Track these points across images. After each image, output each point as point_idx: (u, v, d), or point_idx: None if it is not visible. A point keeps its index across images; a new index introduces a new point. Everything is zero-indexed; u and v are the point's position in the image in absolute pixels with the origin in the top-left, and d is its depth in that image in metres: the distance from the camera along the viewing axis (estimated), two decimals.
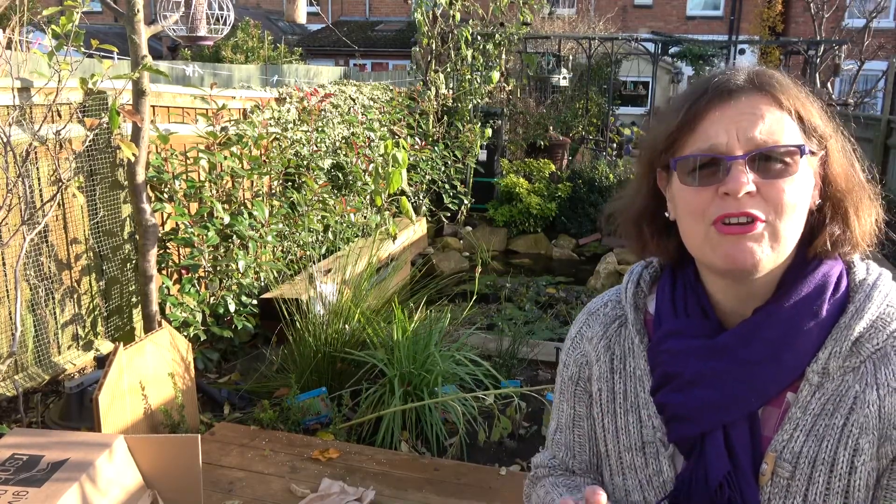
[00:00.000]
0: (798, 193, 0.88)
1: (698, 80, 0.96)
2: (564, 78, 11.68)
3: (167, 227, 4.19)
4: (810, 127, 0.90)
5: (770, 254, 0.88)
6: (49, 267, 3.56)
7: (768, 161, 0.87)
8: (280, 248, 5.16)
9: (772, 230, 0.87)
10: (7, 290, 3.36)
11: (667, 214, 0.98)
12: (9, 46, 3.07)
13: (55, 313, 3.64)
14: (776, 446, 0.90)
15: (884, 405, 0.87)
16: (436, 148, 7.88)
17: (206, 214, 4.21)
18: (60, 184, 3.21)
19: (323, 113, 5.82)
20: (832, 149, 0.92)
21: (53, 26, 2.98)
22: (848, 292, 0.93)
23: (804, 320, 0.90)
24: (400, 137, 7.03)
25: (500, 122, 9.10)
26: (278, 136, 5.19)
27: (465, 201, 8.29)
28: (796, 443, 0.89)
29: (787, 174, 0.87)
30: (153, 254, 3.69)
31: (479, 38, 8.66)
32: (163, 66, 7.29)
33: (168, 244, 4.14)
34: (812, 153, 0.90)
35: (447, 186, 8.10)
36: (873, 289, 0.92)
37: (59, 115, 3.45)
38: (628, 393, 1.03)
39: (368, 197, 6.36)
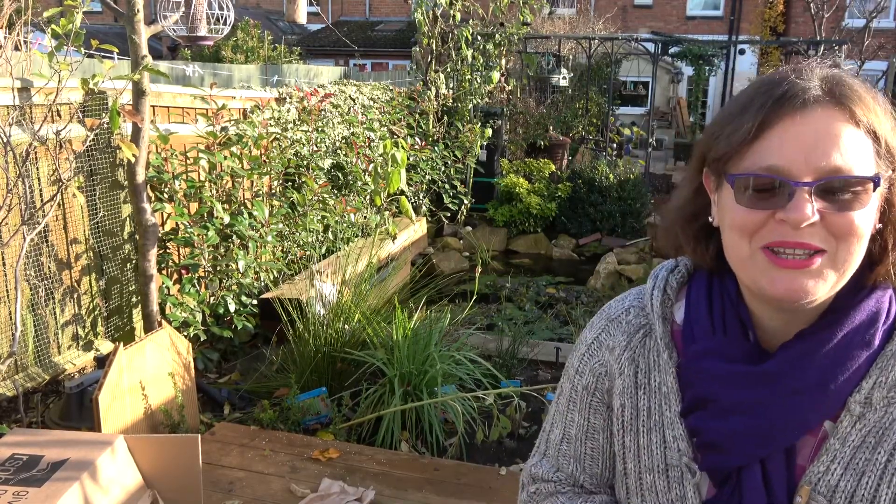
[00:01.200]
0: (865, 224, 0.80)
1: (765, 81, 0.85)
2: (564, 78, 11.68)
3: (167, 227, 4.19)
4: (886, 148, 0.81)
5: (825, 286, 0.81)
6: (49, 267, 3.56)
7: (839, 190, 0.78)
8: (280, 248, 5.16)
9: (832, 262, 0.80)
10: (7, 290, 3.36)
11: (710, 219, 0.90)
12: (17, 48, 3.07)
13: (55, 313, 3.64)
14: (811, 478, 0.85)
15: None
16: (436, 148, 7.89)
17: (206, 214, 4.22)
18: (60, 184, 3.21)
19: (323, 113, 5.82)
20: None
21: (54, 26, 2.98)
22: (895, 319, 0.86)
23: (856, 350, 0.84)
24: (400, 137, 7.03)
25: (500, 122, 9.10)
26: (278, 136, 5.19)
27: (465, 201, 8.29)
28: (833, 476, 0.84)
29: (858, 205, 0.78)
30: (153, 254, 3.69)
31: (479, 38, 8.66)
32: (163, 66, 7.29)
33: (168, 244, 4.14)
34: (884, 177, 0.81)
35: (447, 186, 8.10)
36: None
37: (59, 116, 3.45)
38: (652, 411, 0.96)
39: (368, 197, 6.36)
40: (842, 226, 0.79)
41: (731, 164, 0.84)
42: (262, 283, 4.75)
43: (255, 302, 4.52)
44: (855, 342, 0.84)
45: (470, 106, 8.39)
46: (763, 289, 0.82)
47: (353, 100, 6.59)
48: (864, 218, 0.80)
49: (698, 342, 0.91)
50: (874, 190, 0.79)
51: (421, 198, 7.86)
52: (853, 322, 0.84)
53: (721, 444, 0.87)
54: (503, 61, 9.16)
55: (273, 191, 5.21)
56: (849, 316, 0.84)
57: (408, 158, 6.09)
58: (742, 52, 15.06)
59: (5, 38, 3.04)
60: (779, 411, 0.84)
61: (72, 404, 3.21)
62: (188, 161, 4.27)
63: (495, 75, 8.40)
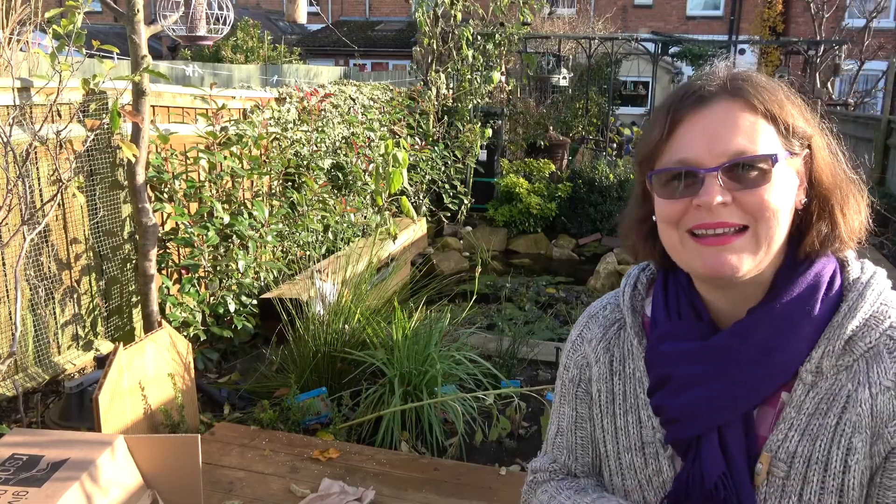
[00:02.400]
0: (777, 198, 0.87)
1: (676, 88, 0.96)
2: (564, 78, 11.68)
3: (167, 227, 4.19)
4: (789, 129, 0.89)
5: (751, 260, 0.88)
6: (49, 267, 3.56)
7: (742, 170, 0.86)
8: (280, 248, 5.16)
9: (751, 237, 0.87)
10: (7, 290, 3.36)
11: (654, 218, 0.98)
12: (21, 49, 3.08)
13: (55, 313, 3.64)
14: (771, 446, 0.90)
15: (876, 403, 0.87)
16: (436, 148, 7.89)
17: (206, 214, 4.21)
18: (60, 184, 3.21)
19: (323, 113, 5.82)
20: (816, 147, 0.92)
21: (55, 27, 2.98)
22: (842, 291, 0.92)
23: (797, 320, 0.90)
24: (400, 137, 7.02)
25: (500, 122, 9.10)
26: (278, 136, 5.19)
27: (465, 201, 8.29)
28: (791, 442, 0.89)
29: (764, 182, 0.87)
30: (153, 254, 3.69)
31: (479, 38, 8.66)
32: (163, 66, 7.29)
33: (168, 244, 4.14)
34: (794, 154, 0.90)
35: (447, 186, 8.10)
36: (867, 287, 0.91)
37: (59, 116, 3.45)
38: (628, 394, 1.03)
39: (368, 197, 6.36)
40: (753, 203, 0.86)
41: (653, 163, 0.93)
42: (262, 283, 4.75)
43: (255, 302, 4.52)
44: (796, 313, 0.90)
45: (470, 106, 8.39)
46: (695, 269, 0.91)
47: (353, 100, 6.59)
48: (773, 194, 0.87)
49: (658, 328, 1.00)
50: (773, 166, 0.87)
51: (421, 198, 7.86)
52: (792, 294, 0.91)
53: (679, 417, 0.94)
54: (503, 61, 9.17)
55: (273, 191, 5.21)
56: (787, 289, 0.91)
57: (408, 158, 6.08)
58: (742, 52, 15.06)
59: (8, 38, 3.04)
60: (729, 381, 0.91)
61: (72, 404, 3.21)
62: (188, 161, 4.27)
63: (495, 75, 8.40)
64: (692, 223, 0.88)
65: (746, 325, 0.91)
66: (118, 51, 3.33)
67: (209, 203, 4.19)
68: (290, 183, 5.37)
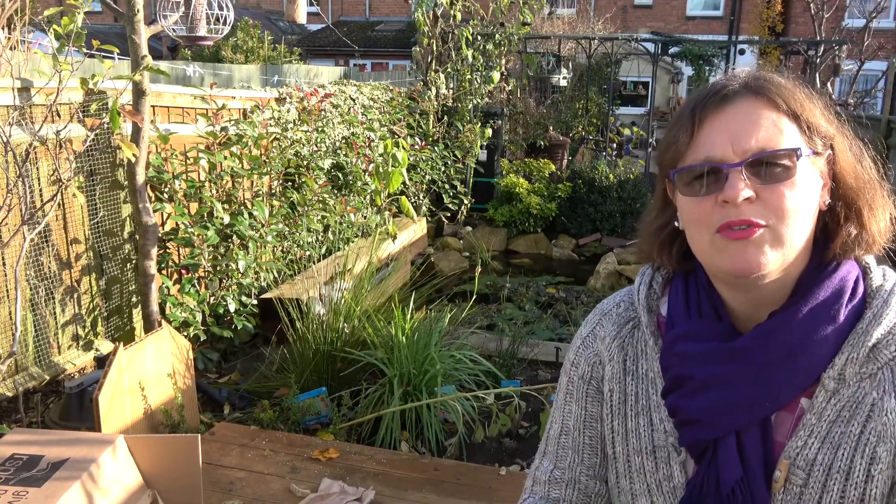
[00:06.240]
0: (800, 196, 0.87)
1: (699, 88, 0.96)
2: (564, 78, 11.68)
3: (167, 227, 4.19)
4: (811, 128, 0.89)
5: (774, 257, 0.87)
6: (49, 267, 3.56)
7: (766, 166, 0.86)
8: (280, 248, 5.16)
9: (774, 234, 0.86)
10: (7, 290, 3.36)
11: (676, 224, 0.97)
12: (15, 48, 3.07)
13: (55, 313, 3.64)
14: (790, 453, 0.89)
15: None
16: (436, 148, 7.88)
17: (206, 214, 4.21)
18: (60, 184, 3.21)
19: (323, 113, 5.82)
20: (838, 147, 0.91)
21: (55, 27, 2.98)
22: (865, 298, 0.91)
23: (821, 325, 0.89)
24: (400, 137, 7.02)
25: (500, 122, 9.09)
26: (278, 136, 5.19)
27: (465, 201, 8.28)
28: (811, 450, 0.88)
29: (787, 177, 0.86)
30: (153, 253, 3.69)
31: (479, 38, 8.66)
32: (163, 66, 7.28)
33: (168, 244, 4.14)
34: (817, 153, 0.89)
35: (447, 186, 8.10)
36: (891, 295, 0.90)
37: (59, 116, 3.45)
38: (640, 395, 1.02)
39: (368, 197, 6.36)
40: (774, 199, 0.86)
41: (675, 164, 0.93)
42: (262, 283, 4.75)
43: (255, 302, 4.52)
44: (821, 317, 0.89)
45: (470, 106, 8.38)
46: (720, 267, 0.89)
47: (353, 100, 6.59)
48: (796, 191, 0.87)
49: (676, 328, 0.98)
50: (798, 160, 0.86)
51: (421, 198, 7.86)
52: (817, 298, 0.89)
53: (696, 419, 0.92)
54: (503, 61, 9.16)
55: (273, 191, 5.21)
56: (813, 293, 0.90)
57: (408, 158, 6.08)
58: (742, 52, 15.05)
59: (7, 38, 3.04)
60: (750, 384, 0.89)
61: (72, 404, 3.21)
62: (188, 161, 4.27)
63: (495, 75, 8.40)
64: (720, 223, 0.87)
65: (768, 327, 0.90)
66: (118, 51, 3.33)
67: (209, 203, 4.19)
68: (290, 183, 5.37)
